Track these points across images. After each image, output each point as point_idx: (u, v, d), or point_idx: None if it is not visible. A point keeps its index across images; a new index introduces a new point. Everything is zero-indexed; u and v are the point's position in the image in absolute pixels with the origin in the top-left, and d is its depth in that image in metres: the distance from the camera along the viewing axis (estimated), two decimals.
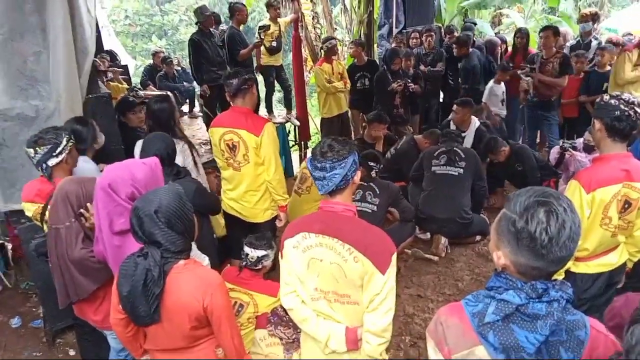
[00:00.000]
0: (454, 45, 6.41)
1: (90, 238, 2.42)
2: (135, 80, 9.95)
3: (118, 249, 2.20)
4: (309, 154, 1.90)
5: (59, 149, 2.55)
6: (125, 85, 6.64)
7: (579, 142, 4.78)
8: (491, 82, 6.03)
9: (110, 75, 6.38)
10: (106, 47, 7.74)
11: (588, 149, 4.54)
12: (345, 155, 1.79)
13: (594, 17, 6.46)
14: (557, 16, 12.54)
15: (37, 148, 2.52)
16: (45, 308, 3.57)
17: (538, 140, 6.53)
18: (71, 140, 2.63)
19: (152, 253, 1.71)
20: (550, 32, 5.43)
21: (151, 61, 8.88)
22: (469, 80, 6.27)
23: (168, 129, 3.30)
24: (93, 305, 2.54)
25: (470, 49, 6.33)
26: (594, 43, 6.30)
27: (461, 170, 4.36)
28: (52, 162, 2.54)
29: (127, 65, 7.91)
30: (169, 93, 6.52)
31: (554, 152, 4.92)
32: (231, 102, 3.34)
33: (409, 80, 6.14)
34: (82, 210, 2.40)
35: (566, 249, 1.13)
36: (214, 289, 1.76)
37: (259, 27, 6.23)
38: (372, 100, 6.50)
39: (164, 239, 1.73)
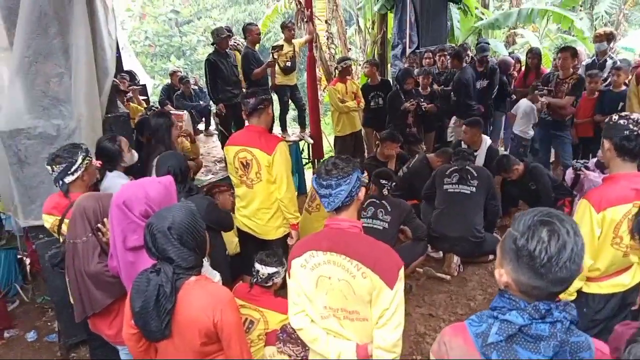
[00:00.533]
0: (449, 58, 6.45)
1: (106, 253, 2.49)
2: (154, 99, 10.18)
3: (131, 264, 2.26)
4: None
5: (74, 167, 2.68)
6: (144, 104, 6.81)
7: (592, 161, 4.75)
8: (527, 101, 6.03)
9: (129, 94, 6.55)
10: (126, 67, 7.97)
11: (601, 166, 4.51)
12: (349, 172, 1.85)
13: (609, 37, 6.44)
14: (573, 35, 12.53)
15: (53, 166, 2.68)
16: (61, 322, 3.64)
17: (553, 159, 6.48)
18: (87, 158, 2.75)
19: (165, 269, 1.76)
20: (569, 53, 5.39)
21: (169, 80, 9.08)
22: (461, 93, 6.27)
23: (163, 142, 3.49)
24: (107, 320, 2.60)
25: (464, 64, 6.37)
26: (609, 62, 6.25)
27: (473, 189, 4.35)
28: (68, 179, 2.69)
29: (145, 84, 8.11)
30: (185, 111, 6.67)
31: (570, 173, 4.89)
32: (247, 121, 3.43)
33: (422, 100, 6.18)
34: (99, 225, 2.48)
35: (567, 269, 1.14)
36: (224, 305, 1.79)
37: (272, 47, 6.35)
38: (386, 118, 6.55)
39: (176, 255, 1.77)
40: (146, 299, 1.74)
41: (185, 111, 6.66)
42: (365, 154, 7.79)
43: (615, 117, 2.29)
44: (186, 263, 1.78)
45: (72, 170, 2.67)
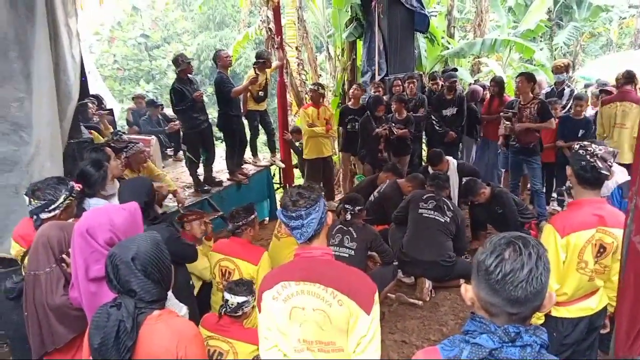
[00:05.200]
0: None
1: None
2: (122, 123, 10.00)
3: (94, 295, 2.16)
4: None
5: (54, 206, 2.55)
6: (111, 129, 6.66)
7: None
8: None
9: (96, 119, 6.40)
10: (93, 91, 7.82)
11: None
12: (316, 199, 1.83)
13: (568, 68, 6.80)
14: (534, 64, 13.05)
15: (32, 200, 2.53)
16: (16, 358, 3.43)
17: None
18: (70, 197, 2.63)
19: (126, 303, 1.67)
20: (524, 77, 5.56)
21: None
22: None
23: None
24: (67, 355, 2.46)
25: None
26: (567, 90, 6.60)
27: (447, 219, 4.41)
28: (44, 215, 2.55)
29: (112, 109, 7.96)
30: (153, 137, 6.56)
31: None
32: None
33: (394, 125, 6.25)
34: (63, 255, 2.36)
35: (522, 290, 1.15)
36: (188, 341, 1.71)
37: (254, 63, 6.24)
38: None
39: (139, 288, 1.70)
40: (105, 335, 1.65)
41: (153, 136, 6.55)
42: (341, 181, 7.81)
43: (576, 146, 2.39)
44: (150, 296, 1.71)
45: (51, 208, 2.54)
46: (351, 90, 7.05)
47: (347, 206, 4.02)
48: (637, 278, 1.18)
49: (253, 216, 3.53)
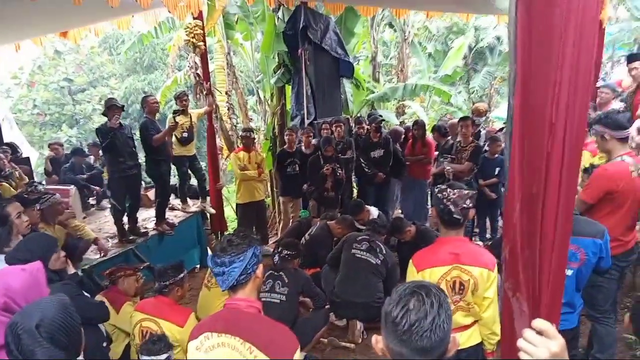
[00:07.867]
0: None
1: None
2: (41, 170, 9.46)
3: None
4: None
5: None
6: (26, 179, 6.26)
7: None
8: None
9: (8, 170, 6.00)
10: (7, 139, 7.38)
11: None
12: (244, 248, 1.82)
13: (486, 112, 7.38)
14: (453, 107, 13.95)
15: None
16: None
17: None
18: None
19: None
20: (470, 122, 6.03)
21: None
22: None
23: None
24: None
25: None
26: (483, 132, 7.09)
27: (379, 262, 4.47)
28: None
29: (28, 157, 7.52)
30: (72, 186, 6.25)
31: None
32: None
33: (338, 165, 6.40)
34: None
35: (427, 339, 1.18)
36: None
37: (173, 111, 6.24)
38: (301, 185, 6.77)
39: (45, 357, 1.58)
40: None
41: (72, 186, 6.22)
42: (279, 225, 7.75)
43: (436, 189, 2.56)
44: None
45: None
46: (285, 135, 7.14)
47: (285, 252, 4.06)
48: (512, 320, 1.29)
49: (182, 275, 3.30)
